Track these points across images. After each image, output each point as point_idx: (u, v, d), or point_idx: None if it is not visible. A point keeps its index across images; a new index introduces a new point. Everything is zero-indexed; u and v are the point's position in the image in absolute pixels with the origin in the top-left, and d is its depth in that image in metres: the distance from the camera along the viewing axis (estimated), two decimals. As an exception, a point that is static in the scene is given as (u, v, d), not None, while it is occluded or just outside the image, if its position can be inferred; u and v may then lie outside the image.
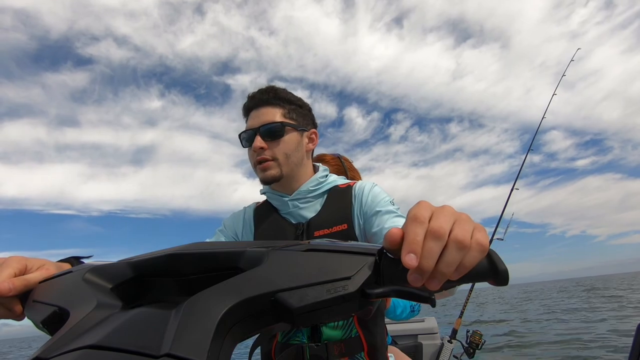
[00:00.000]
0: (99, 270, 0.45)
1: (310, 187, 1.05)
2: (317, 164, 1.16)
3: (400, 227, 0.40)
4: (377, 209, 0.98)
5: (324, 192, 1.07)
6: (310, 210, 1.05)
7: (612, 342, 6.62)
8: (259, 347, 1.02)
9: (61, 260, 0.58)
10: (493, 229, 2.75)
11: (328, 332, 0.94)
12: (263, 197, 1.15)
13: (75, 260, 0.58)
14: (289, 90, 1.08)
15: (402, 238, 0.38)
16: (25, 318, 0.49)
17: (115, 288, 0.44)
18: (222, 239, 1.12)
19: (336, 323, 0.95)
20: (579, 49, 3.51)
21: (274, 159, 1.01)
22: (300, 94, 1.14)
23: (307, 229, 1.01)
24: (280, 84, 1.12)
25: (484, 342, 2.44)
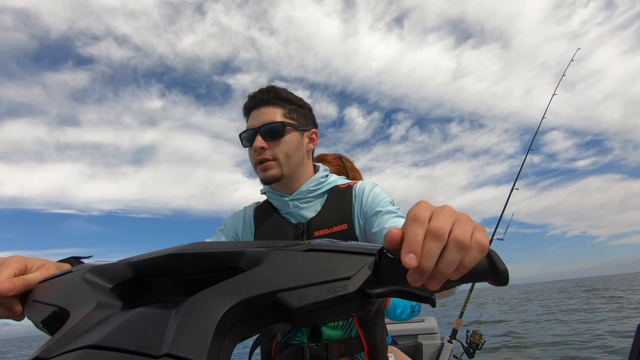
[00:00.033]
0: (99, 270, 0.45)
1: (311, 187, 1.05)
2: (318, 164, 1.16)
3: (401, 227, 0.40)
4: (378, 209, 0.98)
5: (324, 192, 1.07)
6: (310, 210, 1.05)
7: (612, 343, 6.62)
8: (259, 347, 1.02)
9: (61, 261, 0.58)
10: (493, 229, 2.75)
11: (328, 332, 0.94)
12: (263, 197, 1.15)
13: (75, 261, 0.58)
14: (290, 90, 1.08)
15: (402, 238, 0.38)
16: (25, 318, 0.49)
17: (115, 288, 0.44)
18: (223, 239, 1.12)
19: (336, 323, 0.95)
20: (579, 49, 3.51)
21: (275, 159, 1.01)
22: (301, 94, 1.14)
23: (307, 229, 1.02)
24: (280, 84, 1.12)
25: (484, 342, 2.44)
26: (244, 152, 1.09)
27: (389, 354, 1.32)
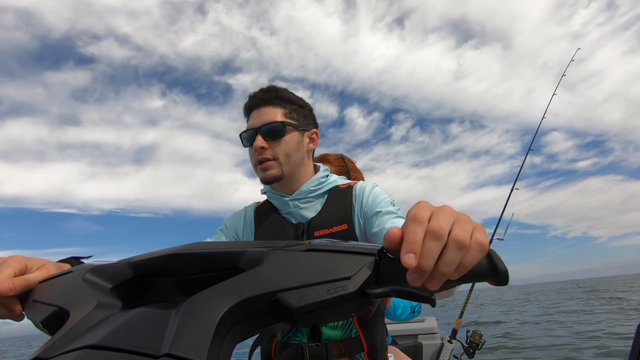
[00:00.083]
0: (99, 270, 0.45)
1: (311, 187, 1.06)
2: (318, 164, 1.16)
3: (401, 227, 0.40)
4: (378, 210, 0.98)
5: (324, 192, 1.07)
6: (310, 210, 1.05)
7: (612, 344, 6.61)
8: (259, 347, 1.02)
9: (61, 261, 0.58)
10: (493, 229, 2.75)
11: (328, 332, 0.94)
12: (264, 197, 1.15)
13: (75, 261, 0.58)
14: (290, 90, 1.08)
15: (402, 238, 0.38)
16: (25, 318, 0.49)
17: (115, 288, 0.44)
18: (223, 239, 1.12)
19: (336, 323, 0.95)
20: (579, 49, 3.50)
21: (275, 159, 1.01)
22: (302, 94, 1.14)
23: (307, 229, 1.02)
24: (281, 84, 1.12)
25: (484, 342, 2.44)
26: (244, 152, 1.09)
27: (389, 354, 1.32)
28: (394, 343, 2.24)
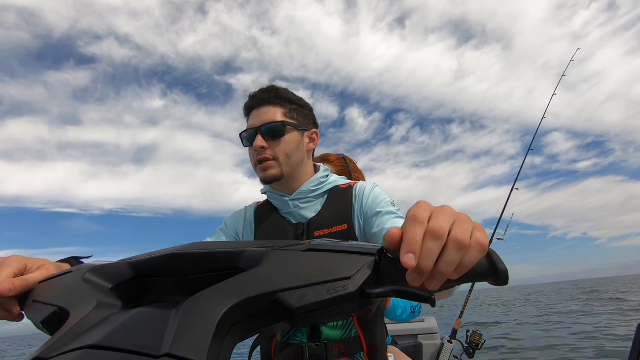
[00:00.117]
0: (99, 270, 0.45)
1: (311, 187, 1.06)
2: (318, 164, 1.16)
3: (400, 227, 0.40)
4: (378, 210, 0.98)
5: (324, 192, 1.07)
6: (310, 210, 1.05)
7: (611, 345, 6.61)
8: (259, 347, 1.02)
9: (61, 261, 0.58)
10: (493, 230, 2.75)
11: (328, 332, 0.94)
12: (264, 197, 1.15)
13: (75, 261, 0.58)
14: (291, 90, 1.08)
15: (402, 238, 0.38)
16: (23, 319, 0.49)
17: (115, 288, 0.44)
18: (223, 238, 1.12)
19: (336, 323, 0.95)
20: (578, 49, 3.51)
21: (275, 159, 1.01)
22: (302, 94, 1.14)
23: (307, 229, 1.02)
24: (282, 84, 1.12)
25: (484, 342, 2.44)
26: (244, 152, 1.09)
27: (389, 354, 1.32)
28: (394, 343, 2.24)
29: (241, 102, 1.11)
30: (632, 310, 12.40)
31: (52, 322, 0.41)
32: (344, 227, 1.00)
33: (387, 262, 0.40)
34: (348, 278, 0.37)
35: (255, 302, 0.36)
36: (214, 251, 0.45)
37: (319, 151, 1.67)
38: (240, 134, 1.06)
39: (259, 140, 1.00)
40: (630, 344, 1.12)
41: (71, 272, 0.47)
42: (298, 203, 1.05)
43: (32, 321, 0.45)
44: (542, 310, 16.65)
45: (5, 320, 0.51)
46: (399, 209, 1.00)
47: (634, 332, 1.12)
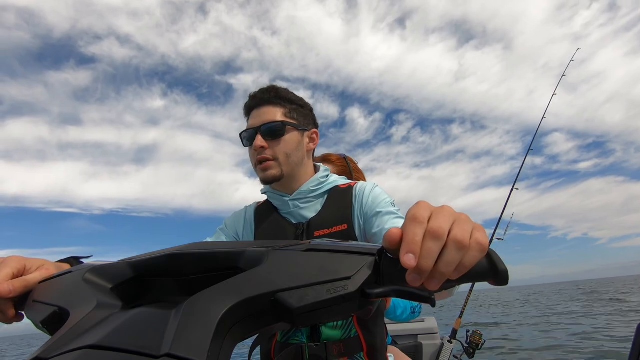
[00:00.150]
0: (99, 270, 0.45)
1: (311, 187, 1.06)
2: (318, 164, 1.16)
3: (400, 228, 0.40)
4: (378, 210, 0.97)
5: (324, 192, 1.07)
6: (310, 210, 1.05)
7: (611, 345, 6.61)
8: (259, 347, 1.02)
9: (60, 261, 0.58)
10: (493, 230, 2.75)
11: (327, 332, 0.94)
12: (264, 197, 1.15)
13: (74, 261, 0.58)
14: (291, 90, 1.08)
15: (402, 238, 0.38)
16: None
17: (115, 288, 0.44)
18: (223, 238, 1.12)
19: (335, 323, 0.95)
20: (578, 49, 3.51)
21: (275, 159, 1.01)
22: (303, 94, 1.14)
23: (307, 229, 1.02)
24: (282, 84, 1.12)
25: (484, 342, 2.44)
26: (245, 152, 1.09)
27: (388, 354, 1.32)
28: (394, 343, 2.24)
29: (241, 102, 1.11)
30: (632, 311, 12.39)
31: (52, 322, 0.41)
32: (344, 227, 1.00)
33: (387, 262, 0.40)
34: (348, 278, 0.37)
35: (255, 302, 0.36)
36: (214, 251, 0.45)
37: (320, 151, 1.67)
38: (240, 134, 1.06)
39: (259, 140, 1.00)
40: (629, 345, 1.12)
41: (71, 272, 0.47)
42: (298, 203, 1.05)
43: (32, 321, 0.45)
44: (542, 310, 16.64)
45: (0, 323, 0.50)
46: (399, 209, 1.00)
47: (633, 333, 1.12)
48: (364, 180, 1.53)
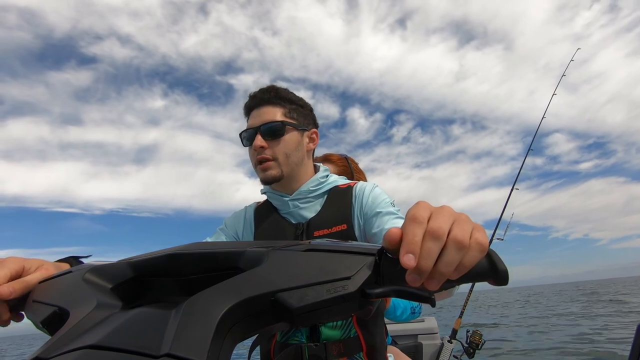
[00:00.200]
0: (99, 270, 0.45)
1: (311, 187, 1.06)
2: (318, 164, 1.16)
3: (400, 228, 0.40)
4: (378, 210, 0.97)
5: (324, 193, 1.07)
6: (310, 211, 1.05)
7: (611, 346, 6.60)
8: (258, 347, 1.02)
9: (60, 260, 0.58)
10: (493, 230, 2.75)
11: (327, 332, 0.94)
12: (264, 197, 1.15)
13: (74, 260, 0.58)
14: (292, 90, 1.08)
15: (401, 238, 0.38)
16: (23, 319, 0.49)
17: (115, 288, 0.44)
18: (223, 238, 1.12)
19: (335, 323, 0.95)
20: (578, 49, 3.51)
21: (274, 159, 1.01)
22: (303, 94, 1.14)
23: (306, 229, 1.02)
24: (283, 85, 1.12)
25: (484, 342, 2.44)
26: (245, 152, 1.09)
27: (388, 354, 1.31)
28: (394, 343, 2.24)
29: (242, 102, 1.11)
30: (632, 312, 12.37)
31: (52, 322, 0.41)
32: (344, 227, 1.00)
33: (387, 262, 0.40)
34: (348, 278, 0.37)
35: (255, 302, 0.36)
36: (214, 251, 0.45)
37: (320, 151, 1.67)
38: (240, 134, 1.06)
39: (259, 140, 1.00)
40: (629, 346, 1.12)
41: (71, 272, 0.47)
42: (298, 203, 1.05)
43: (32, 321, 0.45)
44: (542, 311, 16.63)
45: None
46: (399, 210, 1.00)
47: (633, 334, 1.12)
48: (365, 180, 1.53)
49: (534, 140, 3.03)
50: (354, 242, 0.44)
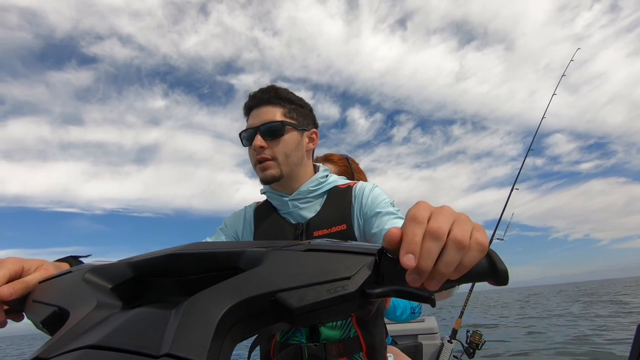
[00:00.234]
0: (99, 270, 0.45)
1: (310, 187, 1.06)
2: (318, 164, 1.16)
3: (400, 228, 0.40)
4: (377, 210, 0.97)
5: (324, 193, 1.07)
6: (309, 211, 1.05)
7: (611, 347, 6.59)
8: (258, 347, 1.02)
9: (59, 260, 0.58)
10: (493, 230, 2.75)
11: (326, 332, 0.94)
12: (264, 197, 1.15)
13: (73, 260, 0.58)
14: (292, 90, 1.09)
15: (401, 238, 0.38)
16: (23, 319, 0.49)
17: (115, 288, 0.44)
18: (223, 238, 1.12)
19: (335, 323, 0.95)
20: (578, 49, 3.51)
21: (274, 159, 1.01)
22: (304, 94, 1.14)
23: (306, 229, 1.02)
24: (283, 85, 1.12)
25: (484, 342, 2.44)
26: (245, 152, 1.09)
27: (388, 354, 1.31)
28: (394, 343, 2.23)
29: (242, 102, 1.11)
30: (632, 313, 12.36)
31: (52, 322, 0.41)
32: (343, 227, 1.00)
33: (386, 262, 0.40)
34: (348, 278, 0.37)
35: (255, 302, 0.36)
36: (213, 251, 0.45)
37: (321, 152, 1.67)
38: (240, 134, 1.06)
39: (258, 140, 1.00)
40: (629, 346, 1.12)
41: (71, 272, 0.47)
42: (297, 203, 1.05)
43: (32, 321, 0.45)
44: (542, 312, 16.62)
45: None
46: (399, 210, 1.00)
47: (633, 334, 1.12)
48: (366, 180, 1.53)
49: (533, 141, 3.04)
50: (354, 242, 0.44)
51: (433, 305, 0.41)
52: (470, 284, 2.38)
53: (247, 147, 1.06)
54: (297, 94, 1.09)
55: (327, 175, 1.12)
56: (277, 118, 1.02)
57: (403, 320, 1.76)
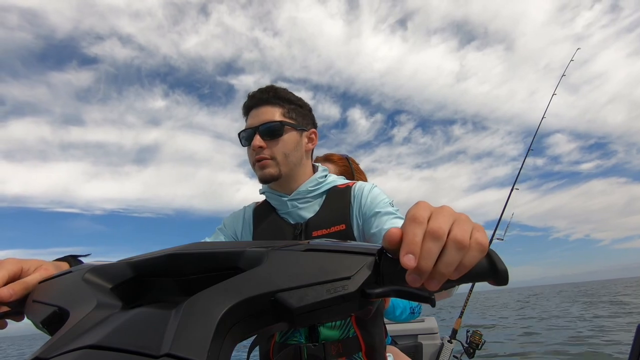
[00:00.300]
0: (98, 270, 0.45)
1: (310, 187, 1.06)
2: (317, 164, 1.17)
3: (400, 228, 0.40)
4: (377, 210, 0.97)
5: (323, 193, 1.07)
6: (309, 211, 1.05)
7: (610, 347, 6.59)
8: (257, 347, 1.02)
9: (59, 259, 0.58)
10: (493, 230, 2.75)
11: (326, 332, 0.94)
12: (264, 197, 1.15)
13: (73, 259, 0.58)
14: (293, 91, 1.09)
15: (401, 238, 0.38)
16: (23, 319, 0.49)
17: (115, 288, 0.44)
18: (222, 238, 1.12)
19: (334, 323, 0.95)
20: (578, 48, 3.51)
21: (273, 158, 1.01)
22: (304, 94, 1.14)
23: (305, 229, 1.02)
24: (283, 85, 1.12)
25: (484, 342, 2.44)
26: (245, 153, 1.09)
27: (387, 354, 1.31)
28: (394, 343, 2.23)
29: (242, 102, 1.11)
30: (633, 313, 12.36)
31: (52, 322, 0.41)
32: (342, 227, 1.00)
33: (386, 262, 0.40)
34: (348, 278, 0.37)
35: (255, 302, 0.36)
36: (213, 251, 0.45)
37: (321, 152, 1.67)
38: (239, 134, 1.06)
39: (257, 140, 1.00)
40: (629, 347, 1.12)
41: (71, 272, 0.47)
42: (296, 203, 1.05)
43: (32, 321, 0.45)
44: (542, 312, 16.61)
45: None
46: (398, 210, 1.00)
47: (633, 335, 1.12)
48: (366, 180, 1.53)
49: (534, 141, 3.03)
50: (354, 242, 0.44)
51: (433, 305, 0.41)
52: (470, 284, 2.38)
53: (246, 147, 1.06)
54: (297, 94, 1.09)
55: (326, 175, 1.12)
56: (276, 118, 1.02)
57: (403, 320, 1.76)
